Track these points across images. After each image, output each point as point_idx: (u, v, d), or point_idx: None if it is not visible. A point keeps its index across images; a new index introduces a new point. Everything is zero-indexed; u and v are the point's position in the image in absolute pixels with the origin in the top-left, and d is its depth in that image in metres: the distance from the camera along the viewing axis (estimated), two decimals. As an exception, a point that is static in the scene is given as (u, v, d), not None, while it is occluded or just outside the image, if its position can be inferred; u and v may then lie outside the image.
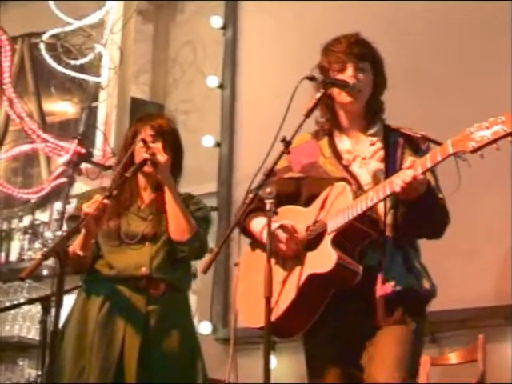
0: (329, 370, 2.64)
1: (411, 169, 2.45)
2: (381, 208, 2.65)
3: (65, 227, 3.21)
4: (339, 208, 2.60)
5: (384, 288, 2.58)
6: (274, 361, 4.37)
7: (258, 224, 2.72)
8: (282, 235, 2.67)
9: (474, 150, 2.30)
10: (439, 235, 2.70)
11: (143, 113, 3.64)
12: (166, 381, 2.98)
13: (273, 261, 2.70)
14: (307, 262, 2.63)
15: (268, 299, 2.44)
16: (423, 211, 2.56)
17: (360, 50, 2.76)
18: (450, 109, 4.47)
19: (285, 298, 2.62)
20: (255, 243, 2.81)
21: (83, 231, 2.93)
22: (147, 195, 3.19)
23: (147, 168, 3.08)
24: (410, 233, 2.66)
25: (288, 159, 2.83)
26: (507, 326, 4.12)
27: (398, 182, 2.47)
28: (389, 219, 2.65)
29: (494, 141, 2.27)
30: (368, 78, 2.77)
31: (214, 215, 5.04)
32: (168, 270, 3.09)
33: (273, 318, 2.54)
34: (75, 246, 2.97)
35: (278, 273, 2.68)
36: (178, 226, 3.07)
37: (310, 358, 2.74)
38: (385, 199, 2.57)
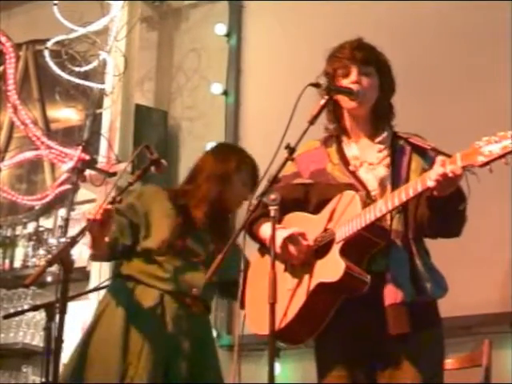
0: (338, 374, 2.64)
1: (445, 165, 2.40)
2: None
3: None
4: (348, 217, 2.60)
5: (393, 297, 2.57)
6: (278, 367, 4.37)
7: (267, 229, 2.68)
8: (292, 247, 2.67)
9: (483, 165, 2.30)
10: (460, 233, 2.69)
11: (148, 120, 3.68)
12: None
13: (282, 268, 2.72)
14: (316, 271, 2.63)
15: (272, 305, 2.44)
16: (455, 206, 2.54)
17: (363, 55, 2.77)
18: (452, 112, 4.48)
19: (294, 305, 2.62)
20: (264, 248, 2.82)
21: (90, 236, 2.98)
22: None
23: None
24: (435, 233, 2.66)
25: (297, 165, 2.84)
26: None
27: (432, 175, 2.42)
28: (395, 224, 2.65)
29: (503, 155, 2.26)
30: (373, 82, 2.78)
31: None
32: (212, 293, 3.29)
33: (282, 325, 2.58)
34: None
35: (287, 280, 2.69)
36: None
37: (320, 362, 2.74)
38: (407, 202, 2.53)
